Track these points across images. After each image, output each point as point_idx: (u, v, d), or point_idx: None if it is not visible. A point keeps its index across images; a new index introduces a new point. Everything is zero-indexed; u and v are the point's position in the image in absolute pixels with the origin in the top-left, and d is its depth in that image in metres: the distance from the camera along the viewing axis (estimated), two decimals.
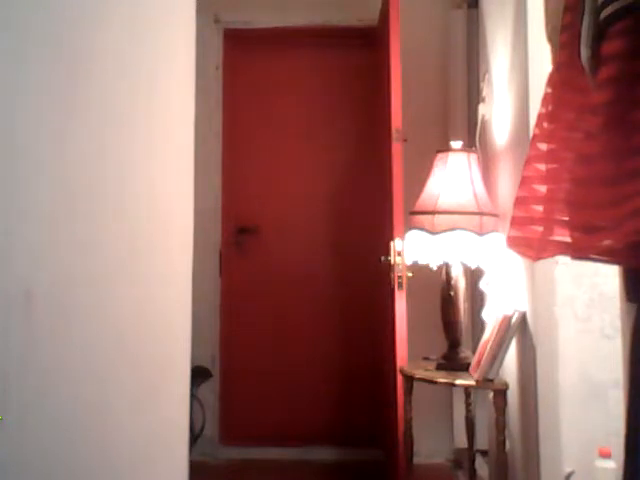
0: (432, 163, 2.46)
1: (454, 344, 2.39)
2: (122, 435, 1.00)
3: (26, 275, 0.74)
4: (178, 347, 1.31)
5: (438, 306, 2.42)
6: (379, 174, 3.09)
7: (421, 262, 2.40)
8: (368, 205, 3.42)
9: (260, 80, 3.60)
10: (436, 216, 2.31)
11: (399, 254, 2.52)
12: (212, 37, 3.47)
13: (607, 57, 0.80)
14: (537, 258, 1.02)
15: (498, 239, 2.31)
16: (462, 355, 2.38)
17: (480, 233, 2.28)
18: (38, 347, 0.76)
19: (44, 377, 0.77)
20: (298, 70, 3.59)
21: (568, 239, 0.90)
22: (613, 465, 1.59)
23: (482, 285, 2.59)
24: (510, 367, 2.30)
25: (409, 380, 2.35)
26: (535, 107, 1.35)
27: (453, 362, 2.35)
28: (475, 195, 2.33)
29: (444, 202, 2.33)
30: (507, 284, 2.34)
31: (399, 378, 2.45)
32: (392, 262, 2.55)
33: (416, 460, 2.43)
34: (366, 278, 3.38)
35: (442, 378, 2.25)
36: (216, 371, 3.42)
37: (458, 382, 2.22)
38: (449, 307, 2.38)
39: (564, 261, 1.81)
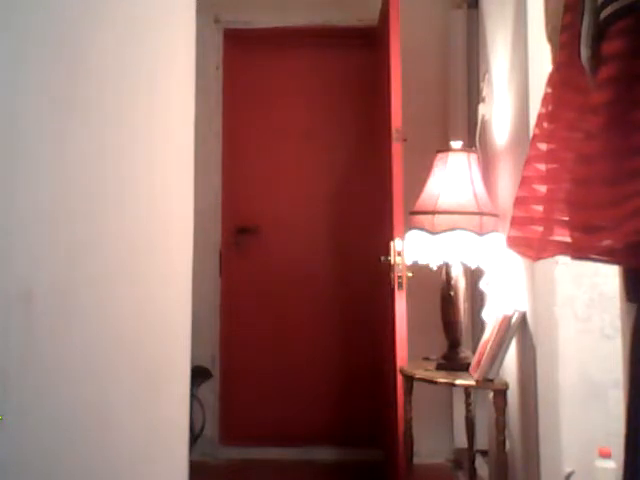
0: (432, 163, 2.46)
1: (454, 344, 2.39)
2: (122, 435, 1.00)
3: (26, 275, 0.74)
4: (178, 347, 1.31)
5: (438, 306, 2.42)
6: (379, 174, 3.08)
7: (421, 262, 2.40)
8: (368, 205, 3.41)
9: (260, 80, 3.59)
10: (436, 216, 2.31)
11: (399, 254, 2.52)
12: (212, 37, 3.47)
13: (607, 57, 0.80)
14: (537, 258, 1.02)
15: (498, 239, 2.31)
16: (462, 355, 2.38)
17: (480, 233, 2.28)
18: (38, 347, 0.75)
19: (44, 377, 0.77)
20: (298, 70, 3.59)
21: (568, 239, 0.90)
22: (613, 465, 1.59)
23: (482, 285, 2.59)
24: (510, 367, 2.30)
25: (409, 380, 2.35)
26: (535, 107, 1.35)
27: (453, 362, 2.35)
28: (475, 195, 2.33)
29: (444, 202, 2.33)
30: (507, 284, 2.34)
31: (399, 378, 2.45)
32: (392, 262, 2.55)
33: (416, 460, 2.43)
34: (366, 278, 3.38)
35: (442, 378, 2.25)
36: (216, 371, 3.42)
37: (458, 382, 2.22)
38: (449, 307, 2.38)
39: (564, 261, 1.81)
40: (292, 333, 3.50)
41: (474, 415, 2.68)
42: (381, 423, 3.17)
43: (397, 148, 2.58)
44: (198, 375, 3.22)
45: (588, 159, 0.85)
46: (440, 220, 2.30)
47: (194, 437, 3.21)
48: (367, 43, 3.42)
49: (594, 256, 0.92)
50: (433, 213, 2.32)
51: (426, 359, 2.50)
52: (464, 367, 2.30)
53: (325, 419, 3.44)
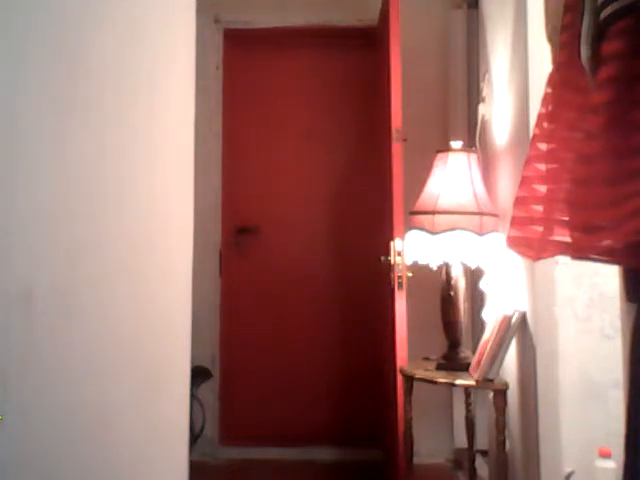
0: (432, 163, 2.46)
1: (454, 344, 2.39)
2: (122, 435, 1.00)
3: (26, 275, 0.74)
4: (178, 347, 1.31)
5: (438, 306, 2.42)
6: (379, 174, 3.08)
7: (421, 262, 2.40)
8: (368, 205, 3.41)
9: (260, 80, 3.59)
10: (436, 216, 2.31)
11: (399, 254, 2.52)
12: (212, 37, 3.47)
13: (607, 57, 0.80)
14: (537, 258, 1.02)
15: (498, 239, 2.31)
16: (462, 355, 2.38)
17: (480, 233, 2.28)
18: (38, 347, 0.76)
19: (44, 377, 0.77)
20: (298, 70, 3.59)
21: (568, 239, 0.90)
22: (613, 465, 1.59)
23: (482, 285, 2.59)
24: (510, 367, 2.30)
25: (409, 380, 2.35)
26: (535, 107, 1.35)
27: (453, 362, 2.35)
28: (475, 195, 2.33)
29: (444, 202, 2.33)
30: (507, 284, 2.34)
31: (399, 378, 2.45)
32: (392, 262, 2.55)
33: (416, 460, 2.43)
34: (366, 278, 3.38)
35: (442, 378, 2.25)
36: (216, 371, 3.42)
37: (458, 382, 2.22)
38: (449, 307, 2.38)
39: (564, 261, 1.81)
40: (292, 333, 3.50)
41: (474, 415, 2.68)
42: (381, 423, 3.17)
43: (397, 148, 2.58)
44: (198, 375, 3.22)
45: (588, 159, 0.85)
46: (440, 220, 2.30)
47: (194, 437, 3.21)
48: (367, 43, 3.42)
49: (594, 256, 0.92)
50: (433, 213, 2.32)
51: (426, 359, 2.50)
52: (464, 367, 2.30)
53: (325, 419, 3.44)
